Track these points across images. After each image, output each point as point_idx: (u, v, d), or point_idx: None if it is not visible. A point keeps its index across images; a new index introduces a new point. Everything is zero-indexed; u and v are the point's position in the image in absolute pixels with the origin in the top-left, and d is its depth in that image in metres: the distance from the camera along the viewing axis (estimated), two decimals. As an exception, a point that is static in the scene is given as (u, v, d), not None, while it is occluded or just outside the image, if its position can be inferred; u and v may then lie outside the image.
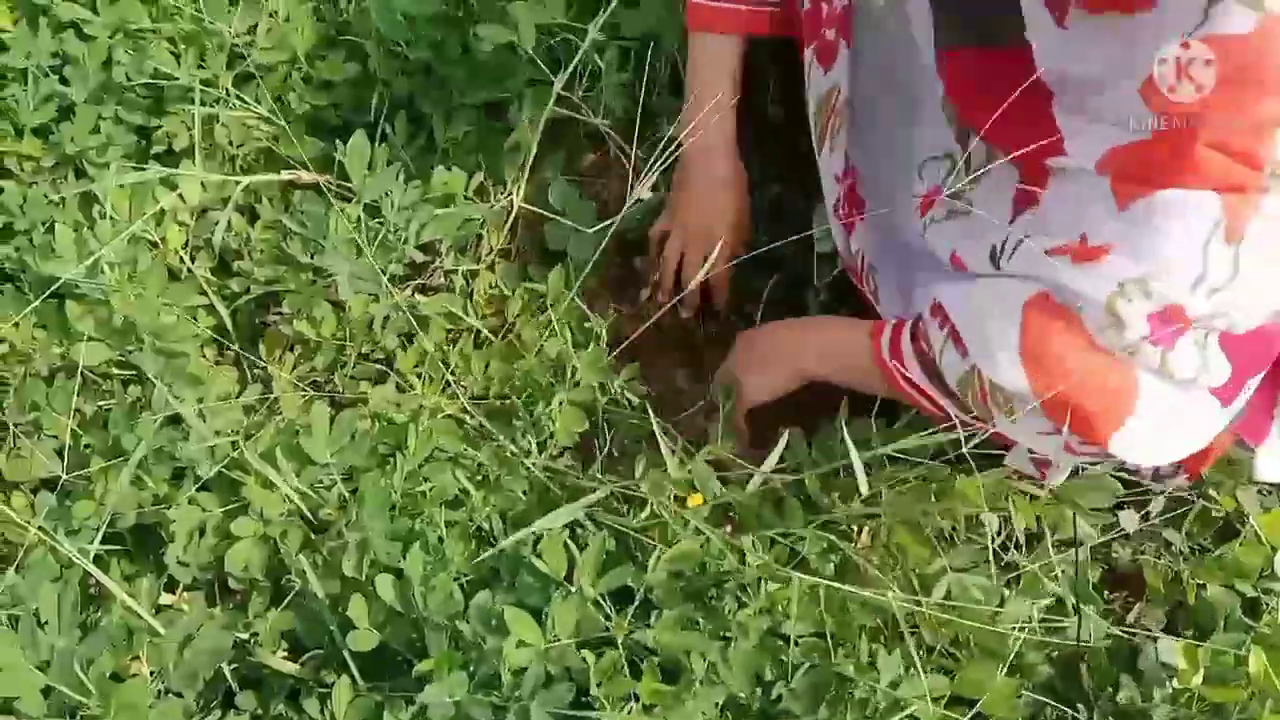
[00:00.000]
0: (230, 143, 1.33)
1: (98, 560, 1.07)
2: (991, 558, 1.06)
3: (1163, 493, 1.15)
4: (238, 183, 1.23)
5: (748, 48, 1.25)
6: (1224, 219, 0.81)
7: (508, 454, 1.13)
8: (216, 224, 1.27)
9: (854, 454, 0.93)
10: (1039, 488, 1.11)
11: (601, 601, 0.96)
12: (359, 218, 1.17)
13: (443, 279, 1.28)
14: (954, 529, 1.11)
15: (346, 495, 1.06)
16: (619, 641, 0.94)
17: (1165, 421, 0.91)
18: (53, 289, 1.15)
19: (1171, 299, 0.84)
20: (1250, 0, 0.75)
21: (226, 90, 1.32)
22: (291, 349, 1.25)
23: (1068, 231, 0.89)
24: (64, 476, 1.07)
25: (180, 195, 1.27)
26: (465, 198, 1.23)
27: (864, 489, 0.95)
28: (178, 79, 1.29)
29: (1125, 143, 0.85)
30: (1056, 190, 0.91)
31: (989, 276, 0.96)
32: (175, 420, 1.11)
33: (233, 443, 1.05)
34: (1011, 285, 0.93)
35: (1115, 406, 0.89)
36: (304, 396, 1.14)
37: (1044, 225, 0.92)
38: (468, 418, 1.17)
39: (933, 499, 1.07)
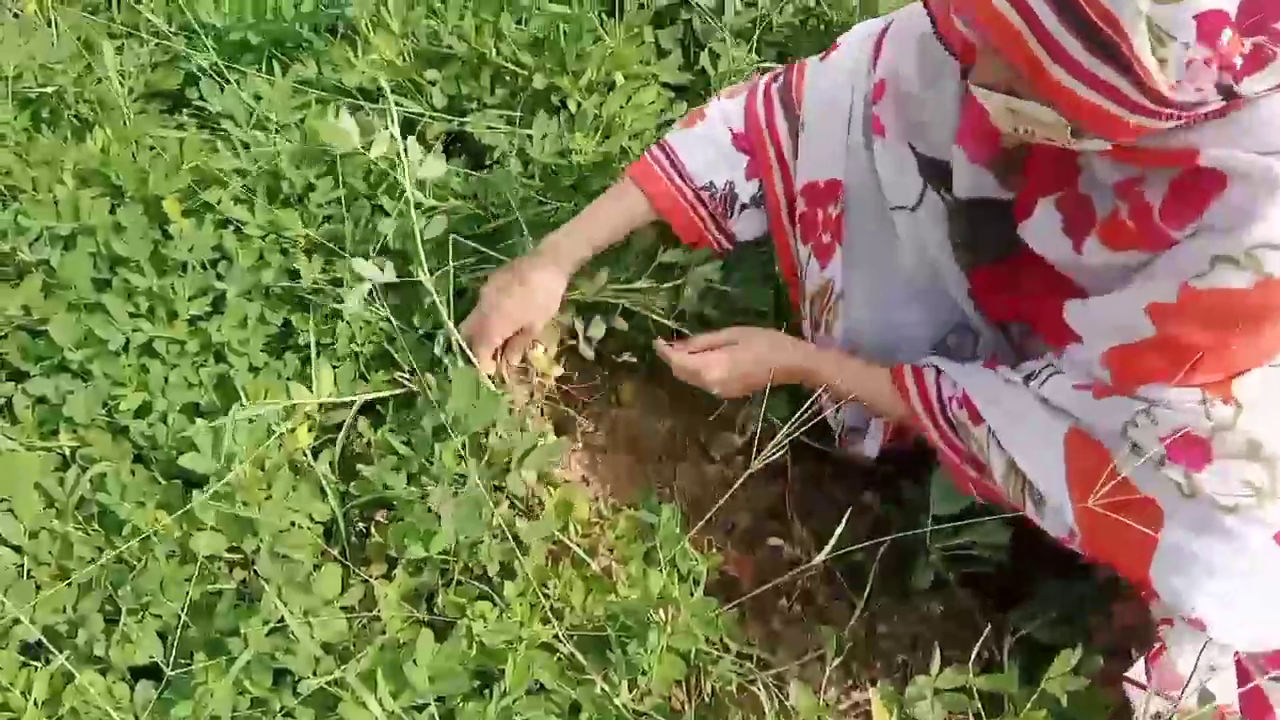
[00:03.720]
0: (354, 340, 1.39)
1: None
2: None
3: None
4: (364, 383, 1.29)
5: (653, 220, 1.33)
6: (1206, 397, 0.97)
7: (599, 691, 1.13)
8: (340, 423, 1.33)
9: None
10: None
11: None
12: (464, 443, 1.21)
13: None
14: None
15: (440, 722, 1.06)
16: None
17: (1204, 552, 0.98)
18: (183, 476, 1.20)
19: (1179, 423, 0.96)
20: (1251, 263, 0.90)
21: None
22: (398, 554, 1.27)
23: (1085, 376, 1.06)
24: (169, 673, 1.09)
25: (310, 389, 1.33)
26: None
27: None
28: (303, 279, 1.37)
29: (1122, 344, 1.02)
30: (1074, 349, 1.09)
31: (1025, 400, 1.11)
32: (280, 620, 1.14)
33: (336, 660, 1.06)
34: (1051, 420, 1.08)
35: (1141, 539, 1.00)
36: (408, 616, 1.15)
37: (1068, 366, 1.09)
38: (561, 645, 1.17)
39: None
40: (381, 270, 1.15)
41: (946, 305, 1.30)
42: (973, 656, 1.04)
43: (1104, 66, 0.83)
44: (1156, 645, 1.09)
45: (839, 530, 1.04)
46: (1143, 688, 1.08)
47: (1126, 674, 1.11)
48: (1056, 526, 1.09)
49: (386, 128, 1.06)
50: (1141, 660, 1.11)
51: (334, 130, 1.06)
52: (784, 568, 1.33)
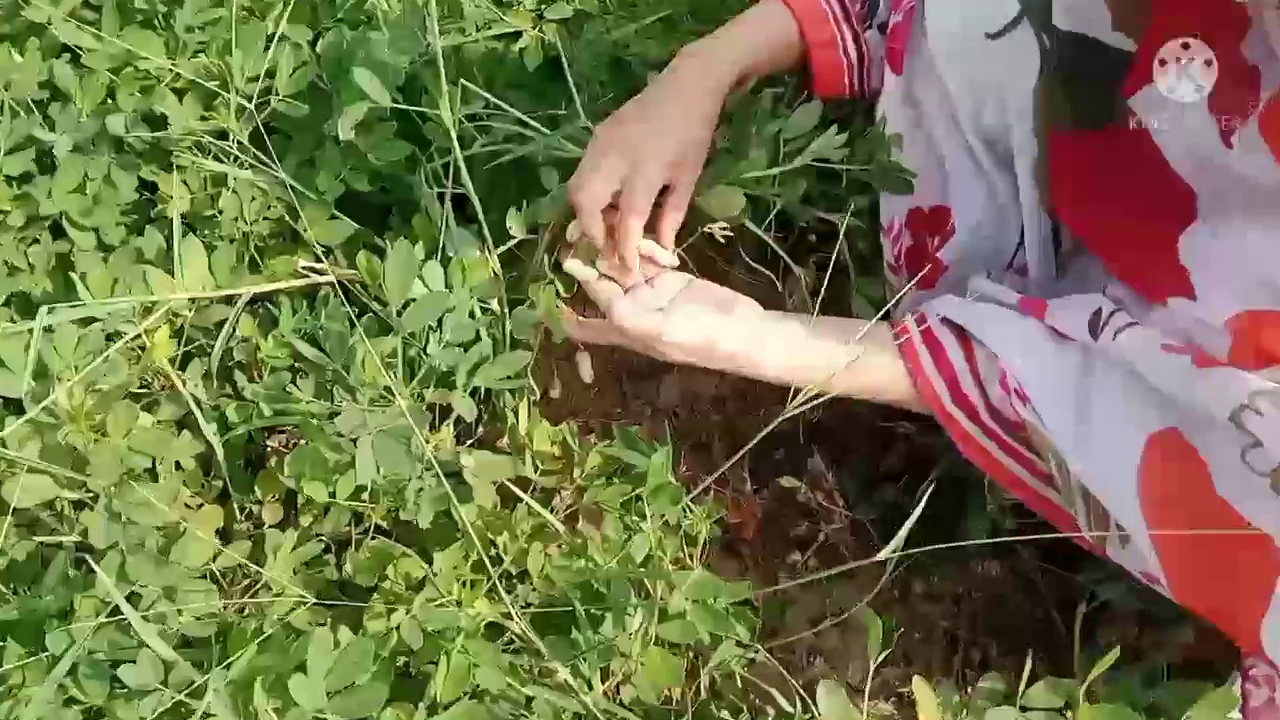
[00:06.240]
0: (243, 215, 1.06)
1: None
2: None
3: None
4: (253, 276, 0.96)
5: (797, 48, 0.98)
6: None
7: (563, 682, 0.85)
8: (220, 322, 1.01)
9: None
10: None
11: None
12: (396, 349, 0.89)
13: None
14: None
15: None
16: None
17: None
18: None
19: None
20: None
21: (240, 145, 1.04)
22: (293, 496, 0.97)
23: (1181, 338, 0.76)
24: (-34, 677, 0.79)
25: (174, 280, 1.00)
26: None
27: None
28: (172, 127, 1.02)
29: (1265, 308, 0.73)
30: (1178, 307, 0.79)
31: (1092, 379, 0.80)
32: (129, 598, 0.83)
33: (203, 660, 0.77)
34: (1128, 419, 0.78)
35: (1249, 585, 0.73)
36: (299, 600, 0.85)
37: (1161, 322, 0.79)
38: (513, 624, 0.89)
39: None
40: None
41: (1003, 186, 0.97)
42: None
43: None
44: (1264, 700, 0.83)
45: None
46: None
47: None
48: (1139, 565, 0.81)
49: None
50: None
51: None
52: (798, 513, 1.05)
